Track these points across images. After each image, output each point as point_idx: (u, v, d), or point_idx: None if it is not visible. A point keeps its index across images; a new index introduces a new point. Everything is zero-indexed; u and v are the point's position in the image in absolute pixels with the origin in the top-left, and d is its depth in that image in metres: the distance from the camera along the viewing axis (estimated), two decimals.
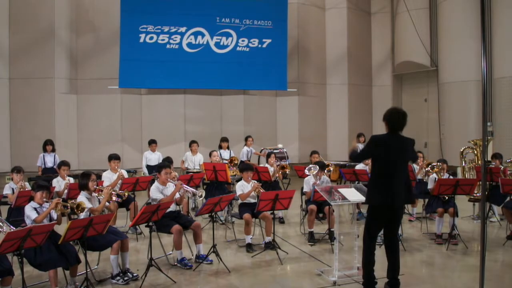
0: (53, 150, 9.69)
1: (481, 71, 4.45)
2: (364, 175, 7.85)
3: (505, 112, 11.13)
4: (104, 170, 7.72)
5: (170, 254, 6.10)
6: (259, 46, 12.90)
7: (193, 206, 9.24)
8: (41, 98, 11.88)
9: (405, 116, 4.77)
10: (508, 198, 7.42)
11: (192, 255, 6.05)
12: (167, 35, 12.12)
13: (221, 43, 12.57)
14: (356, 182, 7.89)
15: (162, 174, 6.12)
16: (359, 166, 8.45)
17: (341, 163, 11.48)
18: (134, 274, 5.25)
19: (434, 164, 7.43)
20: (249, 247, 6.42)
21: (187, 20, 12.24)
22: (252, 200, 6.66)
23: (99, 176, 7.17)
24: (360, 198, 5.24)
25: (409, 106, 14.50)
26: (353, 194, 5.28)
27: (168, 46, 12.16)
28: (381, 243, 5.81)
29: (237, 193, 6.71)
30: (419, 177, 8.13)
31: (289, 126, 14.02)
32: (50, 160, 9.56)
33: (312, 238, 6.83)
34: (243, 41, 12.72)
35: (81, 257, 4.85)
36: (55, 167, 8.80)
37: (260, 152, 11.38)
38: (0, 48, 11.73)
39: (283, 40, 13.09)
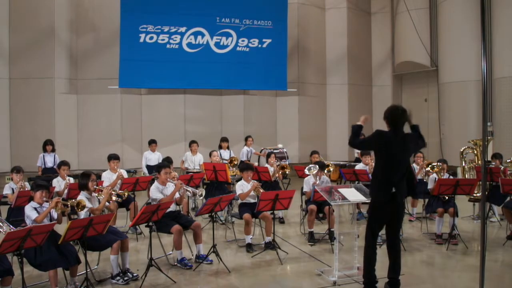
0: (53, 150, 9.69)
1: (481, 71, 4.45)
2: (364, 175, 7.85)
3: (505, 112, 11.12)
4: (104, 170, 7.73)
5: (170, 254, 6.10)
6: (259, 46, 12.90)
7: (193, 206, 9.24)
8: (41, 98, 11.87)
9: (405, 112, 4.79)
10: (508, 198, 7.42)
11: (192, 255, 6.05)
12: (167, 35, 12.12)
13: (221, 43, 12.57)
14: (356, 182, 7.88)
15: (161, 174, 6.12)
16: (359, 166, 8.45)
17: (341, 163, 11.48)
18: (134, 274, 5.25)
19: (434, 164, 7.43)
20: (249, 247, 6.42)
21: (187, 20, 12.23)
22: (252, 200, 6.66)
23: (99, 176, 7.17)
24: (360, 198, 5.25)
25: (409, 106, 14.44)
26: (353, 194, 5.28)
27: (168, 46, 12.16)
28: (381, 243, 5.82)
29: (237, 192, 6.71)
30: (419, 177, 8.13)
31: (289, 126, 14.02)
32: (50, 160, 9.56)
33: (312, 238, 6.83)
34: (243, 41, 12.72)
35: (81, 257, 4.85)
36: (55, 167, 8.80)
37: (260, 152, 11.38)
38: (0, 48, 11.72)
39: (283, 40, 13.08)
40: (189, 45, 12.32)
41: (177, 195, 6.09)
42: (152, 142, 10.25)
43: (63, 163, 7.41)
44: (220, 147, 10.14)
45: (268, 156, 8.94)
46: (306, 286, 5.16)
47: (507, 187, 6.87)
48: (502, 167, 7.79)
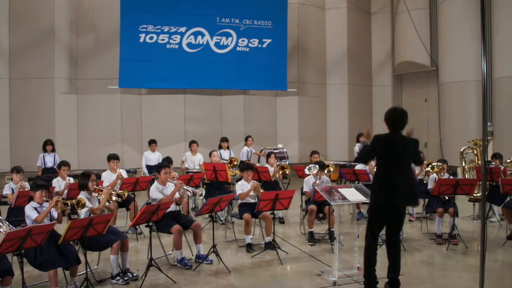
0: (53, 150, 9.68)
1: (481, 71, 4.45)
2: (364, 175, 7.85)
3: (505, 112, 11.12)
4: (104, 170, 7.72)
5: (170, 254, 6.10)
6: (259, 46, 12.90)
7: (193, 206, 9.24)
8: (41, 98, 11.87)
9: (404, 114, 4.79)
10: (508, 198, 7.42)
11: (192, 255, 6.05)
12: (167, 35, 12.12)
13: (221, 43, 12.57)
14: (356, 182, 7.88)
15: (161, 174, 6.12)
16: (359, 166, 8.45)
17: (341, 163, 11.49)
18: (134, 274, 5.25)
19: (434, 164, 7.43)
20: (249, 247, 6.42)
21: (187, 20, 12.23)
22: (252, 200, 6.66)
23: (99, 176, 7.17)
24: (360, 198, 5.25)
25: (409, 106, 14.49)
26: (353, 194, 5.29)
27: (168, 46, 12.16)
28: (381, 243, 5.82)
29: (237, 192, 6.72)
30: (419, 177, 8.13)
31: (289, 126, 14.02)
32: (50, 160, 9.55)
33: (312, 238, 6.83)
34: (243, 41, 12.72)
35: (81, 257, 4.85)
36: (55, 167, 8.80)
37: (260, 152, 11.38)
38: (0, 48, 11.72)
39: (283, 40, 13.08)
40: (189, 45, 12.32)
41: (177, 195, 6.09)
42: (152, 142, 10.24)
43: (63, 163, 7.40)
44: (220, 147, 10.14)
45: (268, 156, 8.94)
46: (306, 286, 5.16)
47: (507, 187, 6.87)
48: (502, 167, 7.79)
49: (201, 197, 6.82)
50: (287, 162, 10.24)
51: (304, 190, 7.27)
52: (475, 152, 9.13)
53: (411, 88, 15.15)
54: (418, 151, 4.96)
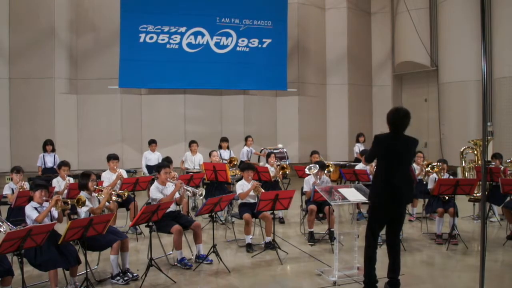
0: (53, 150, 9.68)
1: (481, 71, 4.45)
2: (364, 175, 7.85)
3: (505, 112, 11.12)
4: (104, 170, 7.72)
5: (170, 254, 6.10)
6: (259, 46, 12.90)
7: (193, 206, 9.24)
8: (41, 98, 11.87)
9: (407, 115, 4.74)
10: (508, 198, 7.42)
11: (192, 255, 6.05)
12: (167, 35, 12.12)
13: (221, 43, 12.57)
14: (356, 182, 7.88)
15: (161, 174, 6.12)
16: (359, 166, 8.45)
17: (341, 163, 11.48)
18: (134, 274, 5.25)
19: (434, 164, 7.43)
20: (249, 247, 6.42)
21: (187, 20, 12.23)
22: (252, 200, 6.66)
23: (99, 176, 7.17)
24: (360, 198, 5.25)
25: (409, 106, 14.44)
26: (353, 194, 5.28)
27: (168, 46, 12.16)
28: (381, 243, 5.82)
29: (237, 192, 6.72)
30: (419, 177, 8.13)
31: (289, 126, 14.02)
32: (50, 160, 9.55)
33: (312, 238, 6.83)
34: (243, 41, 12.72)
35: (81, 257, 4.85)
36: (55, 167, 8.80)
37: (260, 152, 11.38)
38: (0, 48, 11.72)
39: (283, 40, 13.08)
40: (189, 45, 12.32)
41: (177, 195, 6.10)
42: (152, 142, 10.25)
43: (64, 164, 7.40)
44: (220, 147, 10.14)
45: (268, 156, 8.94)
46: (306, 286, 5.16)
47: (507, 187, 6.87)
48: (502, 167, 7.79)
49: (201, 197, 6.81)
50: (287, 162, 10.24)
51: (304, 190, 7.27)
52: (475, 152, 9.13)
53: (411, 88, 15.15)
54: (415, 152, 4.96)
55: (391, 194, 4.65)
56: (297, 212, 8.00)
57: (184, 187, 6.20)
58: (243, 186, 6.72)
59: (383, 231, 4.93)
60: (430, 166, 7.46)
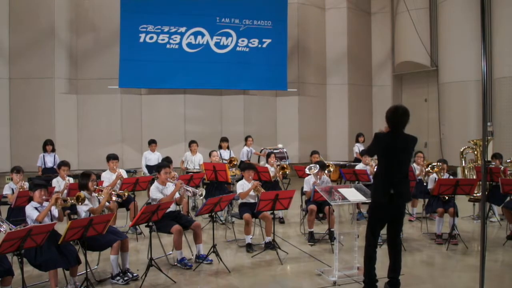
0: (53, 150, 9.69)
1: (481, 71, 4.45)
2: (364, 175, 7.85)
3: (505, 112, 11.12)
4: (104, 170, 7.72)
5: (170, 254, 6.10)
6: (259, 46, 12.90)
7: (193, 206, 9.24)
8: (41, 98, 11.87)
9: (406, 113, 4.71)
10: (508, 198, 7.42)
11: (192, 255, 6.05)
12: (167, 35, 12.12)
13: (221, 43, 12.57)
14: (356, 182, 7.88)
15: (161, 174, 6.12)
16: (359, 166, 8.46)
17: (341, 163, 11.48)
18: (134, 274, 5.25)
19: (434, 164, 7.43)
20: (249, 247, 6.42)
21: (187, 20, 12.23)
22: (252, 200, 6.66)
23: (99, 176, 7.17)
24: (360, 198, 5.25)
25: (409, 106, 14.36)
26: (353, 194, 5.28)
27: (168, 46, 12.16)
28: (382, 243, 5.82)
29: (237, 191, 6.72)
30: (419, 177, 8.13)
31: (289, 126, 14.02)
32: (50, 160, 9.55)
33: (312, 238, 6.83)
34: (243, 41, 12.72)
35: (81, 257, 4.85)
36: (55, 167, 8.80)
37: (260, 152, 11.38)
38: (0, 48, 11.72)
39: (283, 40, 13.08)
40: (189, 45, 12.32)
41: (177, 195, 6.10)
42: (152, 142, 10.24)
43: (63, 164, 7.39)
44: (220, 147, 10.14)
45: (268, 156, 8.94)
46: (306, 286, 5.16)
47: (507, 187, 6.87)
48: (502, 167, 7.79)
49: (201, 197, 6.81)
50: (287, 162, 10.24)
51: (304, 190, 7.27)
52: (475, 152, 9.13)
53: (411, 88, 15.15)
54: (413, 149, 4.93)
55: (391, 193, 4.64)
56: (297, 212, 8.00)
57: (184, 187, 6.20)
58: (243, 186, 6.73)
59: (384, 231, 4.93)
60: (430, 166, 7.45)
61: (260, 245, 6.57)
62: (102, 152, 9.83)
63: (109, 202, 5.86)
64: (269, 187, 7.94)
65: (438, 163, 7.40)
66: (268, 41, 12.94)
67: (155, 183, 6.16)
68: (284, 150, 11.72)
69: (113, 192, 5.77)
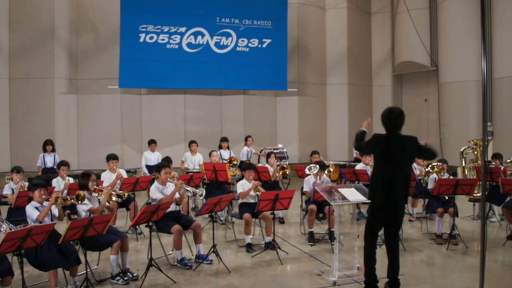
0: (53, 150, 9.68)
1: (481, 71, 4.45)
2: (364, 175, 7.85)
3: (505, 112, 11.12)
4: (104, 170, 7.72)
5: (170, 254, 6.10)
6: (259, 46, 12.91)
7: (193, 206, 9.24)
8: (41, 98, 11.87)
9: (400, 114, 4.71)
10: (508, 198, 7.42)
11: (192, 255, 6.05)
12: (167, 35, 12.13)
13: (221, 43, 12.57)
14: (356, 182, 7.89)
15: (161, 174, 6.12)
16: (359, 166, 8.46)
17: (341, 163, 11.48)
18: (134, 274, 5.25)
19: (434, 164, 7.42)
20: (249, 247, 6.42)
21: (187, 20, 12.24)
22: (252, 200, 6.66)
23: (98, 176, 7.17)
24: (360, 198, 5.24)
25: (409, 106, 14.51)
26: (353, 194, 5.28)
27: (168, 46, 12.16)
28: (381, 243, 5.82)
29: (238, 191, 6.72)
30: (418, 177, 8.13)
31: (289, 126, 14.02)
32: (50, 160, 9.55)
33: (312, 238, 6.83)
34: (243, 41, 12.73)
35: (81, 257, 4.85)
36: (55, 167, 8.80)
37: (260, 152, 11.38)
38: (0, 48, 11.73)
39: (283, 40, 13.09)
40: (189, 45, 12.33)
41: (177, 195, 6.10)
42: (151, 142, 10.25)
43: (63, 163, 7.40)
44: (220, 147, 10.14)
45: (268, 156, 8.94)
46: (306, 286, 5.16)
47: (507, 187, 6.87)
48: (502, 167, 7.79)
49: (201, 197, 6.81)
50: (287, 162, 10.24)
51: (304, 190, 7.27)
52: (475, 152, 9.13)
53: (411, 88, 15.15)
54: (421, 146, 4.81)
55: (388, 194, 4.63)
56: (297, 212, 8.00)
57: (184, 187, 6.20)
58: (244, 186, 6.73)
59: (383, 231, 4.93)
60: (430, 166, 7.45)
61: (260, 245, 6.58)
62: (102, 152, 9.84)
63: (109, 202, 5.86)
64: (269, 187, 7.94)
65: (438, 163, 7.40)
66: (268, 41, 12.95)
67: (155, 183, 6.16)
68: (284, 150, 11.72)
69: (113, 192, 5.77)
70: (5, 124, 11.81)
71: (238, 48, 12.72)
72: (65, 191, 6.86)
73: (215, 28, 12.47)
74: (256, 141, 11.34)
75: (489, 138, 10.58)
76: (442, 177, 7.12)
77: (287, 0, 13.12)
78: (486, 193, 6.52)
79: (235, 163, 9.47)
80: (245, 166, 7.19)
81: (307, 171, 7.17)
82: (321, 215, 7.50)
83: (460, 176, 9.84)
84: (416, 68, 14.11)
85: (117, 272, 5.16)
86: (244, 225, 6.49)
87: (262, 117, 13.78)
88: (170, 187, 6.16)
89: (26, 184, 6.76)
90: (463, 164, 9.22)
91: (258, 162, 11.28)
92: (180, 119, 13.08)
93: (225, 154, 10.01)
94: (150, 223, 5.40)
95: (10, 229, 4.52)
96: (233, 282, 5.27)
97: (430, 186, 7.27)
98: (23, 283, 4.31)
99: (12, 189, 6.73)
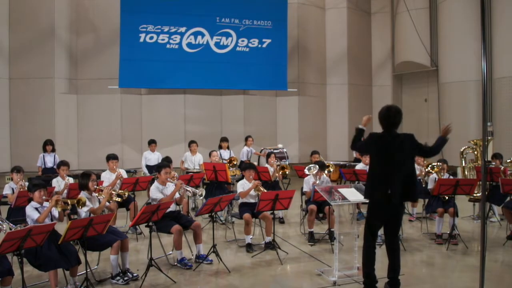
0: (53, 150, 9.68)
1: (481, 71, 4.46)
2: (364, 175, 7.81)
3: (505, 112, 11.12)
4: (104, 170, 7.72)
5: (170, 254, 6.10)
6: (259, 46, 12.91)
7: (193, 206, 9.24)
8: (41, 98, 11.87)
9: (398, 113, 4.71)
10: (508, 198, 7.42)
11: (192, 255, 6.05)
12: (167, 35, 12.13)
13: (221, 43, 12.58)
14: (356, 182, 7.88)
15: (161, 174, 6.13)
16: (359, 166, 8.46)
17: (341, 163, 11.48)
18: (134, 274, 5.24)
19: (434, 164, 7.43)
20: (249, 247, 6.42)
21: (187, 20, 12.24)
22: (252, 200, 6.66)
23: (98, 176, 7.17)
24: (360, 198, 5.25)
25: (409, 106, 14.50)
26: (353, 194, 5.28)
27: (168, 46, 12.17)
28: (381, 243, 5.82)
29: (237, 191, 6.72)
30: (418, 177, 8.12)
31: (289, 126, 14.02)
32: (50, 160, 9.55)
33: (312, 238, 6.83)
34: (242, 41, 12.73)
35: (81, 257, 4.85)
36: (55, 167, 8.80)
37: (260, 152, 11.38)
38: (0, 48, 11.73)
39: (283, 40, 13.09)
40: (189, 45, 12.33)
41: (177, 195, 6.10)
42: (151, 142, 10.25)
43: (63, 163, 7.40)
44: (220, 147, 10.14)
45: (268, 156, 8.94)
46: (306, 286, 5.16)
47: (507, 187, 6.87)
48: (502, 167, 7.79)
49: (201, 197, 6.81)
50: (287, 162, 10.24)
51: (304, 190, 7.27)
52: (475, 152, 9.13)
53: (411, 88, 15.15)
54: (418, 144, 4.79)
55: (386, 194, 4.62)
56: (297, 212, 8.00)
57: (184, 187, 6.20)
58: (244, 186, 6.73)
59: (383, 231, 4.92)
60: (430, 166, 7.45)
61: (260, 245, 6.58)
62: (102, 152, 9.84)
63: (109, 202, 5.86)
64: (269, 187, 7.94)
65: (438, 163, 7.40)
66: (268, 41, 12.95)
67: (155, 183, 6.16)
68: (284, 150, 11.72)
69: (113, 192, 5.77)
70: (5, 124, 11.81)
71: (238, 48, 12.72)
72: (65, 191, 6.88)
73: (215, 28, 12.48)
74: (256, 141, 11.34)
75: (489, 138, 10.57)
76: (442, 177, 7.12)
77: (287, 0, 13.12)
78: (486, 193, 6.52)
79: (235, 163, 9.47)
80: (245, 166, 7.19)
81: (306, 171, 7.17)
82: (321, 215, 7.50)
83: (460, 176, 9.83)
84: (416, 68, 14.11)
85: (117, 272, 5.16)
86: (244, 225, 6.49)
87: (262, 117, 13.78)
88: (170, 187, 6.16)
89: (26, 184, 6.76)
90: (463, 164, 9.22)
91: (258, 162, 11.30)
92: (180, 119, 13.08)
93: (225, 154, 10.01)
94: (150, 223, 5.39)
95: (10, 229, 4.52)
96: (233, 282, 5.27)
97: (430, 186, 7.27)
98: (23, 283, 4.31)
99: (12, 189, 6.73)
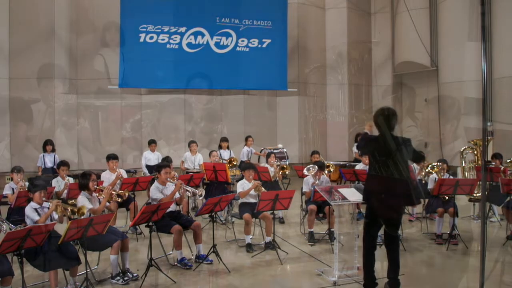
0: (53, 150, 9.69)
1: (481, 71, 4.46)
2: (364, 175, 7.83)
3: (505, 112, 11.12)
4: (104, 170, 7.73)
5: (170, 254, 6.10)
6: (259, 46, 12.91)
7: (193, 206, 9.24)
8: (41, 98, 11.87)
9: (393, 115, 4.71)
10: (508, 198, 7.41)
11: (192, 255, 6.05)
12: (167, 35, 12.13)
13: (221, 43, 12.58)
14: (356, 182, 7.88)
15: (161, 174, 6.13)
16: (359, 166, 8.45)
17: (341, 163, 11.48)
18: (134, 274, 5.25)
19: (434, 164, 7.42)
20: (249, 247, 6.42)
21: (187, 20, 12.24)
22: (252, 200, 6.66)
23: (99, 176, 7.17)
24: (360, 198, 5.24)
25: (409, 106, 14.49)
26: (353, 194, 5.28)
27: (168, 46, 12.17)
28: (381, 243, 5.82)
29: (237, 190, 6.72)
30: (418, 177, 8.11)
31: (289, 126, 14.01)
32: (50, 160, 9.56)
33: (312, 238, 6.83)
34: (242, 41, 12.73)
35: (81, 257, 4.85)
36: (55, 167, 8.80)
37: (260, 152, 11.37)
38: (0, 48, 11.72)
39: (283, 40, 13.09)
40: (189, 45, 12.33)
41: (177, 195, 6.10)
42: (151, 142, 10.25)
43: (63, 163, 7.41)
44: (220, 147, 10.14)
45: (268, 156, 8.94)
46: (306, 286, 5.16)
47: (507, 187, 6.86)
48: (502, 167, 7.78)
49: (201, 197, 6.81)
50: (287, 162, 10.23)
51: (304, 190, 7.27)
52: (475, 152, 9.13)
53: (411, 88, 15.13)
54: (413, 149, 4.78)
55: (379, 196, 4.61)
56: (297, 212, 7.99)
57: (184, 187, 6.20)
58: (244, 186, 6.73)
59: (383, 231, 4.92)
60: (430, 166, 7.45)
61: (260, 245, 6.58)
62: (102, 152, 9.84)
63: (109, 202, 5.86)
64: (269, 187, 7.93)
65: (438, 163, 7.40)
66: (268, 41, 12.95)
67: (155, 183, 6.17)
68: (284, 150, 11.71)
69: (113, 192, 5.77)
70: (5, 124, 11.80)
71: (238, 48, 12.72)
72: (65, 191, 6.88)
73: (215, 28, 12.48)
74: (256, 141, 11.33)
75: (489, 138, 10.57)
76: (442, 177, 7.12)
77: (287, 0, 13.12)
78: (486, 193, 6.52)
79: (235, 163, 9.46)
80: (245, 166, 7.20)
81: (305, 172, 7.16)
82: (321, 215, 7.48)
83: (460, 176, 9.83)
84: (416, 68, 14.09)
85: (117, 272, 5.16)
86: (244, 225, 6.49)
87: (262, 117, 13.77)
88: (170, 187, 6.16)
89: (27, 184, 6.77)
90: (463, 164, 9.22)
91: (258, 162, 11.29)
92: (180, 119, 13.08)
93: (225, 154, 10.01)
94: (150, 223, 5.40)
95: (10, 229, 4.52)
96: (233, 282, 5.27)
97: (430, 186, 7.27)
98: (23, 283, 4.31)
99: (13, 189, 6.73)
